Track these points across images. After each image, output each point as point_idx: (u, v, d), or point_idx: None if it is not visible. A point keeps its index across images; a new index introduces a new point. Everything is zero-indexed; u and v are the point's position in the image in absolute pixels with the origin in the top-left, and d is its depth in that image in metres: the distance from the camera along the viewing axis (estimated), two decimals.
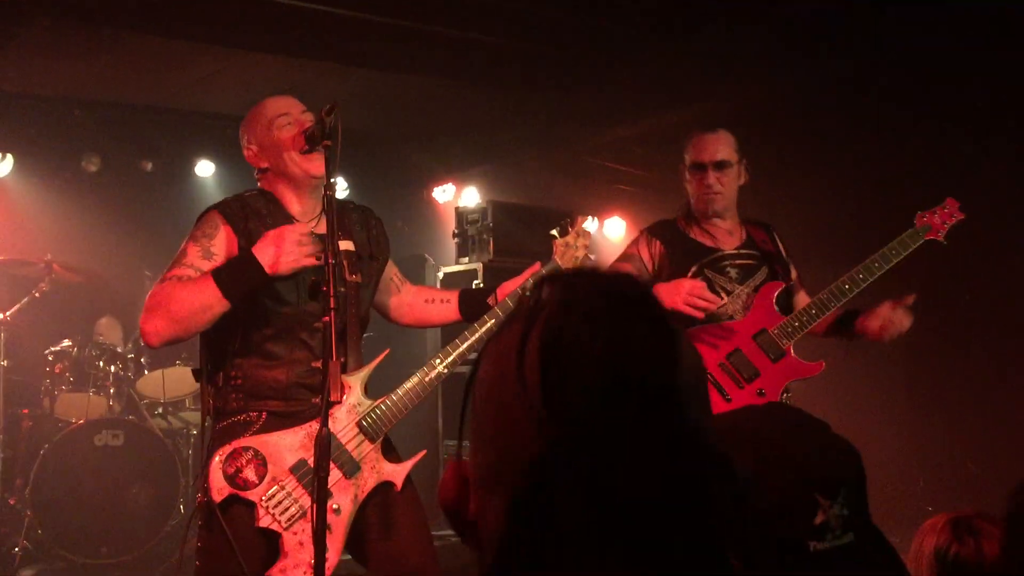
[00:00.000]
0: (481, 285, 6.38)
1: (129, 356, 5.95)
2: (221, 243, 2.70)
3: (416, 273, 7.95)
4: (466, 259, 6.74)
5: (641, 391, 0.88)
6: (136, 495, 5.52)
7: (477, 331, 2.90)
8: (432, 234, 8.23)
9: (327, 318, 2.48)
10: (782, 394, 3.39)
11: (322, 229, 2.81)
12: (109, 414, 5.75)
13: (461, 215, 6.87)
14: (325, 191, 2.63)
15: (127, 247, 6.63)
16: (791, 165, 6.37)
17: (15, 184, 6.95)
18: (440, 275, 6.86)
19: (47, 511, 5.28)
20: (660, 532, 0.86)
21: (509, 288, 3.02)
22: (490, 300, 3.03)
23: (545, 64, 6.41)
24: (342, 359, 2.56)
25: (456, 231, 6.85)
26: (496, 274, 6.39)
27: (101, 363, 5.83)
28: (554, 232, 3.09)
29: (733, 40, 5.77)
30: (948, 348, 6.27)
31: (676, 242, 3.49)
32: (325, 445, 2.42)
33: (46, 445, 5.39)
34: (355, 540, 2.76)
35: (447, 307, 3.13)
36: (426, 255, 7.96)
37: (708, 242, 3.50)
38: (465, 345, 2.89)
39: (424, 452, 2.93)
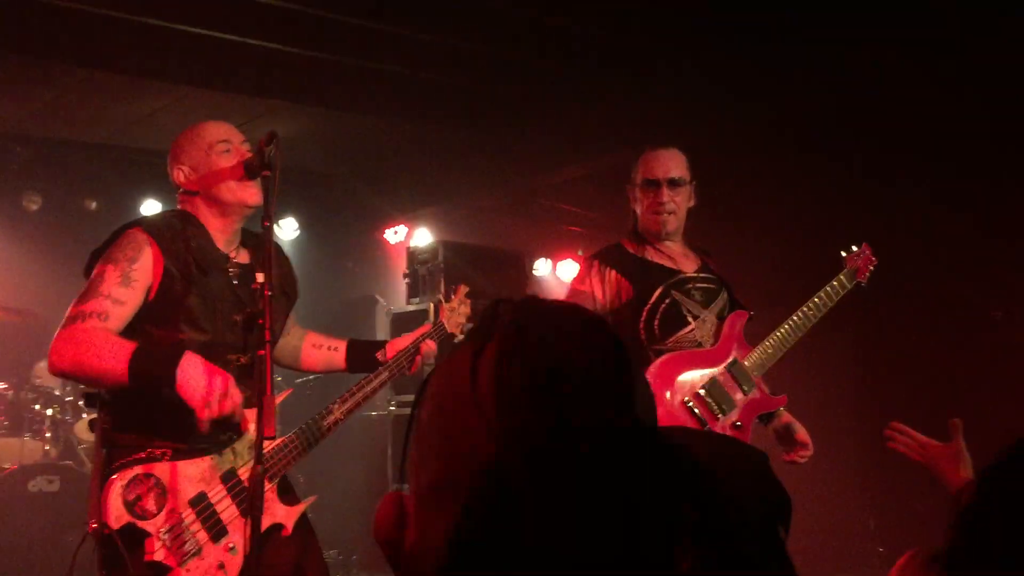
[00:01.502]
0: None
1: (67, 399, 5.77)
2: (144, 268, 2.58)
3: (366, 314, 7.87)
4: (417, 299, 6.68)
5: (599, 399, 0.87)
6: (72, 543, 5.28)
7: (372, 382, 2.90)
8: (383, 275, 8.17)
9: (262, 352, 2.40)
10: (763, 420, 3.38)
11: (244, 259, 2.79)
12: (45, 459, 5.56)
13: (412, 255, 6.82)
14: (263, 222, 2.56)
15: (70, 288, 6.40)
16: (739, 204, 6.42)
17: None
18: (390, 316, 6.79)
19: None
20: (615, 543, 0.84)
21: (399, 345, 3.04)
22: (379, 355, 3.03)
23: (497, 104, 6.43)
24: (276, 395, 2.48)
25: (407, 271, 6.80)
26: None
27: (37, 406, 5.65)
28: (439, 297, 3.29)
29: (684, 82, 5.83)
30: (897, 386, 6.31)
31: (633, 266, 3.32)
32: (259, 482, 2.33)
33: None
34: None
35: (334, 355, 3.10)
36: (377, 296, 7.89)
37: (668, 264, 3.34)
38: (361, 393, 2.86)
39: (315, 497, 2.87)
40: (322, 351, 3.11)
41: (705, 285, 3.37)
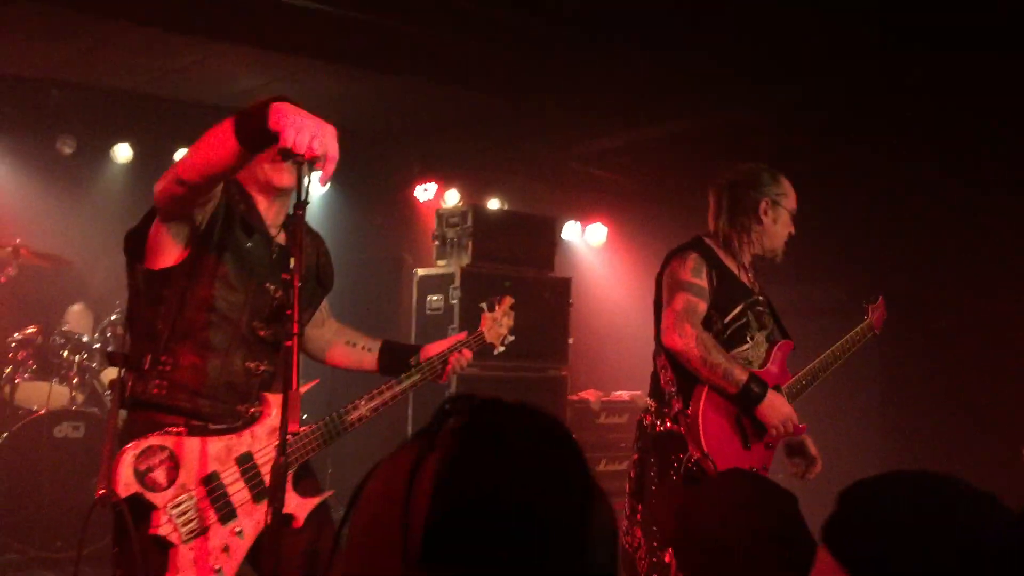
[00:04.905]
0: (458, 289, 6.33)
1: (95, 346, 5.84)
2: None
3: (393, 274, 7.88)
4: (444, 262, 6.66)
5: (543, 542, 0.79)
6: (94, 488, 5.40)
7: (404, 382, 2.89)
8: (412, 234, 8.14)
9: (289, 343, 2.40)
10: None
11: (283, 242, 2.78)
12: (71, 405, 5.63)
13: (441, 217, 6.78)
14: (295, 210, 2.54)
15: (101, 234, 6.49)
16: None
17: None
18: (417, 277, 6.78)
19: (1, 501, 5.17)
20: None
21: (434, 351, 3.01)
22: (412, 360, 3.00)
23: (534, 71, 6.35)
24: (302, 388, 2.48)
25: (436, 233, 6.77)
26: (474, 279, 6.33)
27: (65, 352, 5.71)
28: (483, 306, 3.20)
29: (719, 57, 5.73)
30: (917, 400, 6.34)
31: (725, 277, 3.42)
32: (282, 475, 2.33)
33: (4, 434, 5.28)
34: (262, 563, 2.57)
35: (367, 356, 3.07)
36: (405, 255, 7.88)
37: (746, 281, 3.48)
38: (390, 392, 2.85)
39: (332, 492, 2.82)
40: (355, 350, 3.08)
41: (762, 308, 3.52)
